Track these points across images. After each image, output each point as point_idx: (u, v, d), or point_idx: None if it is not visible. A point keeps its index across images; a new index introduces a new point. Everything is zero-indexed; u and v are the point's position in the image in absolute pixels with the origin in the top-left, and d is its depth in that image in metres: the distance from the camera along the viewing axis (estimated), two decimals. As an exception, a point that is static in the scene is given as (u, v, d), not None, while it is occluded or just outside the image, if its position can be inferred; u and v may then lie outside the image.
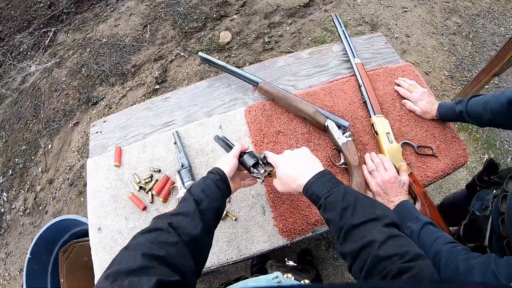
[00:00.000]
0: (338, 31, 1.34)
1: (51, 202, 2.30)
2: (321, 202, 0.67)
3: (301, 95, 1.18)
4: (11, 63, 2.87)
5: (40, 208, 2.30)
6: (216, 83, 1.31)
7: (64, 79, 2.67)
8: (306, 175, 0.72)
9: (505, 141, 2.30)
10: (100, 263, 1.06)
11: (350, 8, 2.84)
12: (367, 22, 2.76)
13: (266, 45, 2.65)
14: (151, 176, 1.13)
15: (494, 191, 0.93)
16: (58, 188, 2.32)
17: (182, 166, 1.08)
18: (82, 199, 2.24)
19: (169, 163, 1.15)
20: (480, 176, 1.08)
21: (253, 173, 0.83)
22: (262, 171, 0.82)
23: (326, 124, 1.08)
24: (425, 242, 0.79)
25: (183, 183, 1.05)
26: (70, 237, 1.77)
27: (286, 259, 0.98)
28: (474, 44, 2.71)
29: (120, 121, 1.31)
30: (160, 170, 1.14)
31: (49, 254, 1.72)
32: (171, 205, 1.08)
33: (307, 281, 0.79)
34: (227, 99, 1.27)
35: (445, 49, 2.67)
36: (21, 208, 2.33)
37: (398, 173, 0.99)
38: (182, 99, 1.30)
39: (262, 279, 0.71)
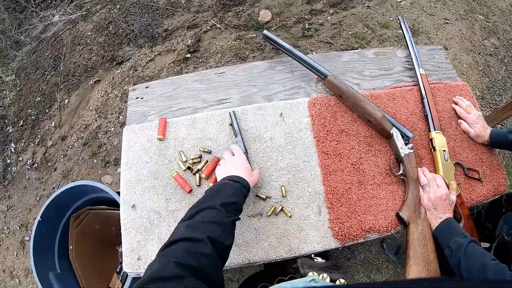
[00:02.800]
0: (405, 37, 1.31)
1: (61, 160, 2.20)
2: None
3: (365, 95, 1.13)
4: (33, 10, 2.69)
5: (49, 164, 2.21)
6: (278, 66, 1.24)
7: (89, 33, 2.52)
8: None
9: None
10: (131, 244, 0.96)
11: (393, 9, 2.74)
12: (409, 27, 2.68)
13: (306, 32, 2.54)
14: (200, 157, 1.05)
15: None
16: (70, 146, 2.22)
17: (238, 150, 1.02)
18: (95, 160, 2.15)
19: (222, 145, 1.07)
20: (509, 197, 1.12)
21: None
22: None
23: (391, 132, 1.04)
24: (471, 255, 0.82)
25: (238, 169, 0.99)
26: (84, 203, 1.68)
27: (312, 255, 0.94)
28: (508, 69, 2.68)
29: (165, 89, 1.22)
30: (211, 151, 1.06)
31: (60, 219, 1.62)
32: (220, 190, 1.02)
33: (342, 281, 0.77)
34: (288, 85, 1.20)
35: (480, 68, 2.63)
36: (29, 161, 2.24)
37: None
38: (239, 76, 1.22)
39: (298, 282, 0.69)
